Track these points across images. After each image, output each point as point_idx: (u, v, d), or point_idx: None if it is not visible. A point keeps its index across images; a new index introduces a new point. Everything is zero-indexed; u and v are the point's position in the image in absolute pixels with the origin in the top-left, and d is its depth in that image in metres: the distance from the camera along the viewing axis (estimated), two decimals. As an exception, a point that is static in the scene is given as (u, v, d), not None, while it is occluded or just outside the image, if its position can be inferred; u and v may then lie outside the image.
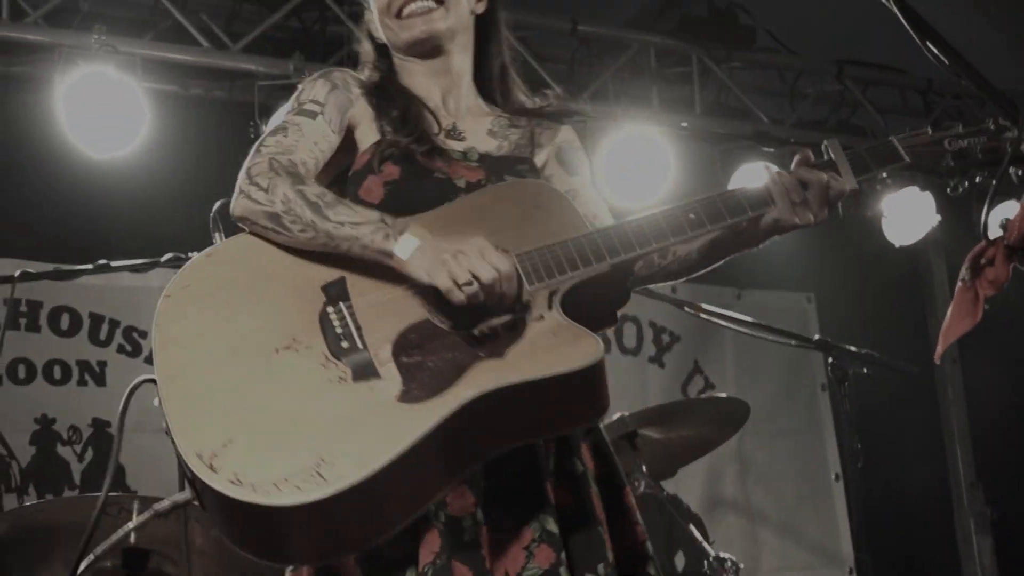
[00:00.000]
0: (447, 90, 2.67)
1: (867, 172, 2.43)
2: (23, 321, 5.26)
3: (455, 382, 2.21)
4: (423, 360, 2.25)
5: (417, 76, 2.66)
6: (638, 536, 2.45)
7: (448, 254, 2.24)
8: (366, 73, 2.69)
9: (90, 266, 3.75)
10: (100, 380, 5.37)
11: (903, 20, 2.14)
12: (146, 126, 4.83)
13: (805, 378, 6.28)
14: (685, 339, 6.20)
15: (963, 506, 6.16)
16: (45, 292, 5.17)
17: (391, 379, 2.21)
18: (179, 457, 2.14)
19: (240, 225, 2.40)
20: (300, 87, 2.57)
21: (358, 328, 2.27)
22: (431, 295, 2.31)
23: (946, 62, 2.10)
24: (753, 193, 2.37)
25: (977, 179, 2.56)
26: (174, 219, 4.30)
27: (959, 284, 2.14)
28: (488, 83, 2.73)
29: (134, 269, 3.75)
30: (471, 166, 2.57)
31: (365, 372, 2.22)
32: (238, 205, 2.36)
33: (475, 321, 2.30)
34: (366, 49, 2.74)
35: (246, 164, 2.38)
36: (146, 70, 4.93)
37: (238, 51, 5.09)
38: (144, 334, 5.37)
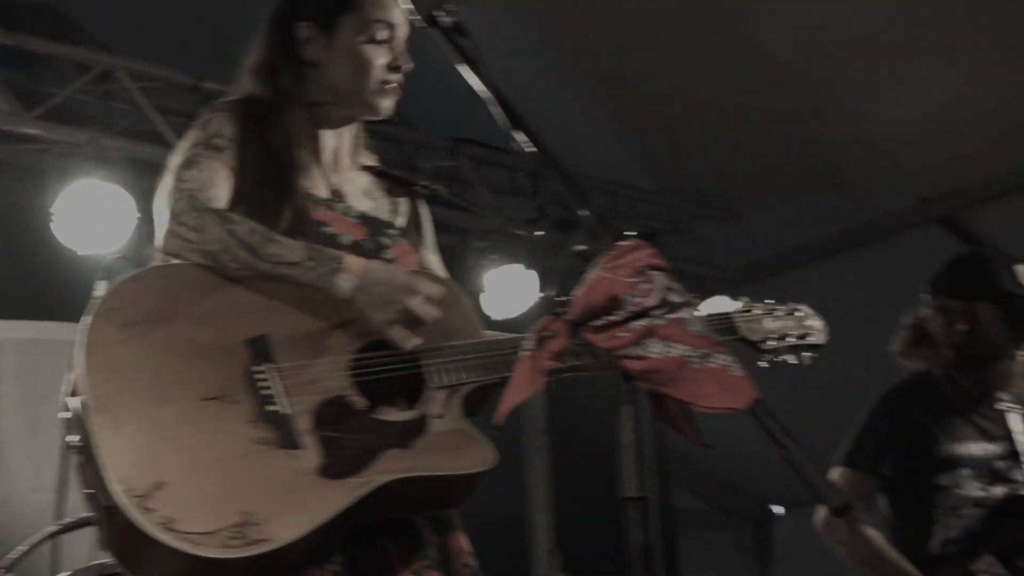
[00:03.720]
0: (339, 146, 2.68)
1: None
2: None
3: (369, 465, 2.30)
4: (341, 437, 2.33)
5: (327, 121, 2.64)
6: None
7: (388, 295, 2.35)
8: (266, 91, 2.61)
9: None
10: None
11: (501, 110, 2.28)
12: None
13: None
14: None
15: (540, 570, 6.49)
16: None
17: (312, 451, 2.28)
18: (97, 480, 2.17)
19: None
20: (205, 118, 2.54)
21: (285, 393, 2.31)
22: (347, 370, 2.39)
23: (534, 150, 2.24)
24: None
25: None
26: None
27: (522, 354, 2.28)
28: (356, 142, 2.75)
29: None
30: (353, 223, 2.59)
31: (288, 439, 2.27)
32: (170, 244, 2.37)
33: (382, 405, 2.39)
34: (279, 70, 2.63)
35: (168, 202, 2.39)
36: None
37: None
38: None
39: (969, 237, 6.83)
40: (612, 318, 2.06)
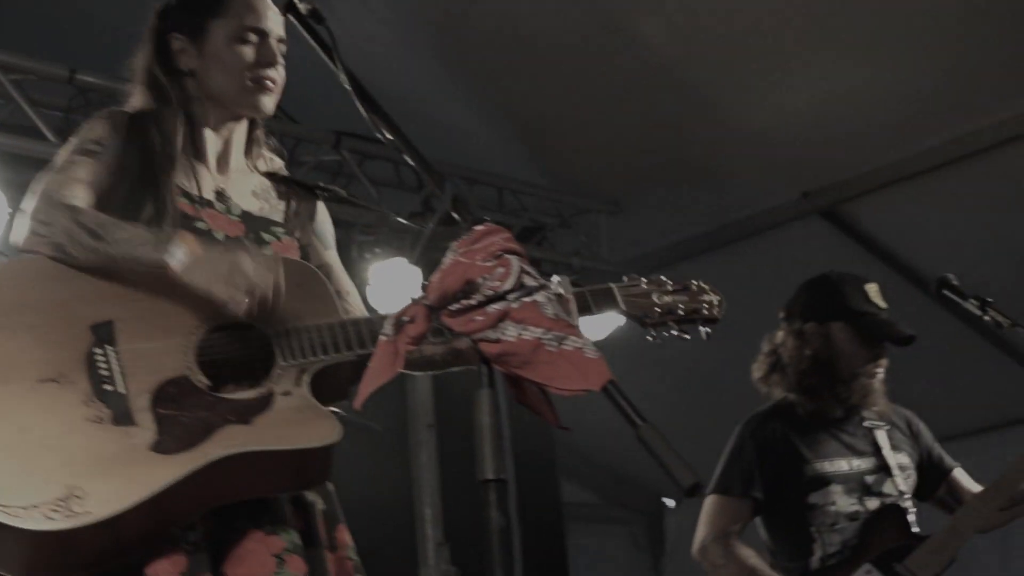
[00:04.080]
0: (227, 147, 2.73)
1: (587, 312, 2.64)
2: None
3: (204, 441, 2.34)
4: (178, 415, 2.37)
5: (209, 124, 2.71)
6: (350, 571, 2.59)
7: (224, 270, 2.39)
8: (146, 102, 2.69)
9: None
10: None
11: (353, 93, 2.29)
12: None
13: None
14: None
15: (428, 564, 6.51)
16: None
17: (146, 427, 2.32)
18: None
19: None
20: (84, 125, 2.63)
21: (122, 374, 2.37)
22: (193, 352, 2.43)
23: (389, 136, 2.26)
24: (605, 292, 2.68)
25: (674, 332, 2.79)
26: None
27: (381, 339, 2.30)
28: (250, 144, 2.79)
29: None
30: (232, 220, 2.66)
31: (123, 417, 2.33)
32: (25, 241, 2.45)
33: (230, 385, 2.43)
34: (158, 80, 2.69)
35: (30, 204, 2.45)
36: None
37: None
38: None
39: (850, 230, 6.99)
40: (468, 302, 2.07)
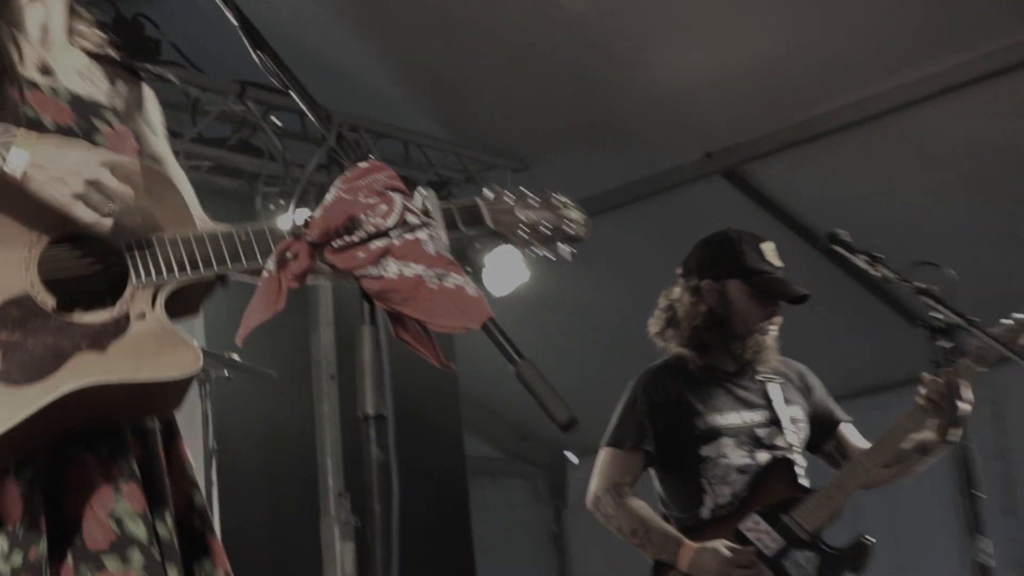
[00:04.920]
0: (47, 20, 2.46)
1: (454, 228, 2.52)
2: None
3: (55, 371, 2.17)
4: (23, 341, 2.18)
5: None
6: (189, 487, 2.45)
7: (79, 179, 2.16)
8: None
9: None
10: None
11: (239, 29, 2.27)
12: None
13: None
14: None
15: (330, 514, 6.54)
16: None
17: None
18: None
19: None
20: None
21: None
22: (35, 267, 2.22)
23: (280, 77, 2.26)
24: (472, 209, 2.57)
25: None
26: None
27: (264, 275, 2.28)
28: (73, 19, 2.55)
29: None
30: (61, 106, 2.39)
31: None
32: None
33: (77, 305, 2.24)
34: None
35: None
36: None
37: None
38: None
39: (751, 191, 7.08)
40: (351, 239, 2.09)
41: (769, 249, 4.21)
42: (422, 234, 2.10)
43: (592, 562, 8.37)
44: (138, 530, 2.25)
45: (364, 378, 2.04)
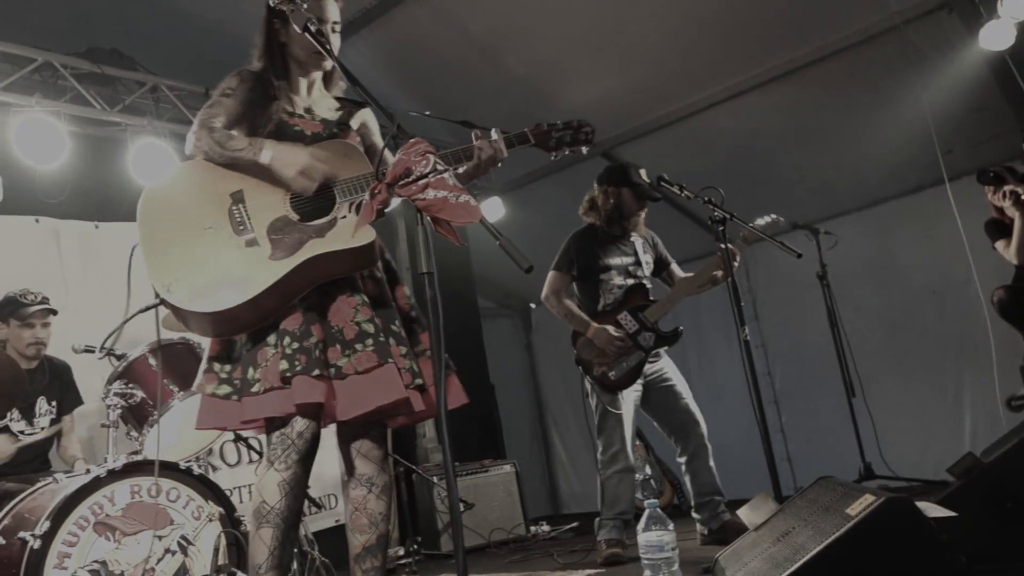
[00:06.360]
0: (311, 83, 2.78)
1: (511, 146, 2.63)
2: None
3: (299, 249, 2.43)
4: (283, 238, 2.46)
5: (298, 70, 2.74)
6: (407, 306, 2.66)
7: (300, 164, 2.46)
8: (260, 63, 2.71)
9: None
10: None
11: (338, 64, 2.53)
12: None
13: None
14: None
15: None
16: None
17: (266, 247, 2.43)
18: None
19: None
20: (227, 78, 2.67)
21: (249, 219, 2.48)
22: (291, 201, 2.49)
23: (363, 91, 2.32)
24: (468, 150, 2.62)
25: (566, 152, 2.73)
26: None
27: (365, 200, 2.39)
28: (327, 79, 2.83)
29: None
30: (315, 123, 2.68)
31: (253, 242, 2.44)
32: (189, 150, 2.56)
33: (311, 218, 2.49)
34: (267, 46, 2.72)
35: (192, 127, 2.56)
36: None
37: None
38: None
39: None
40: (408, 180, 2.21)
41: (643, 172, 4.58)
42: (446, 176, 2.22)
43: (547, 360, 8.85)
44: (370, 328, 2.49)
45: (420, 251, 2.18)
